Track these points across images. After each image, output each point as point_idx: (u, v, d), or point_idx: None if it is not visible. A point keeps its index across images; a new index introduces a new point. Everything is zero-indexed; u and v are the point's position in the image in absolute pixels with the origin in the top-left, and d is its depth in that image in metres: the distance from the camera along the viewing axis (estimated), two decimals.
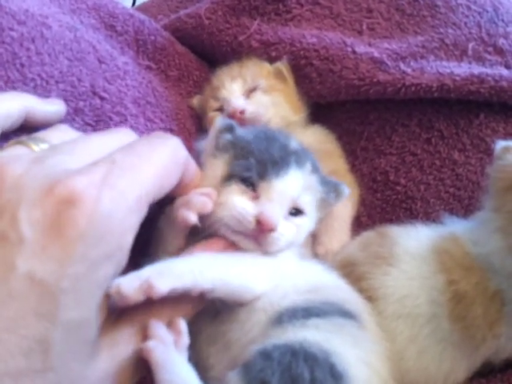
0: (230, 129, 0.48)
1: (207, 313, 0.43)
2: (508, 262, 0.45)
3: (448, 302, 0.47)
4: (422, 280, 0.49)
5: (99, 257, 0.31)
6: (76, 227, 0.30)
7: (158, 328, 0.36)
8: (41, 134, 0.40)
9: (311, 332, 0.38)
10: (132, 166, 0.34)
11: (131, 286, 0.34)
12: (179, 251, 0.43)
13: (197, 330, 0.43)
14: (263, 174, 0.44)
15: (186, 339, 0.37)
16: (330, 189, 0.50)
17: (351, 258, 0.54)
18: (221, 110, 0.68)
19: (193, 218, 0.41)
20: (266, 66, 0.72)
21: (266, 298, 0.42)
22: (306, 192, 0.46)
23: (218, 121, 0.49)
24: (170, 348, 0.35)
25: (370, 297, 0.49)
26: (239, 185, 0.45)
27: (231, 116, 0.63)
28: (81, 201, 0.30)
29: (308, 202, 0.47)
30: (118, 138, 0.39)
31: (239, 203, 0.43)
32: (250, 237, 0.43)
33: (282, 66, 0.71)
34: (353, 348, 0.39)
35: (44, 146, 0.38)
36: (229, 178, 0.45)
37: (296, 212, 0.46)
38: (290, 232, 0.45)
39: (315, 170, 0.49)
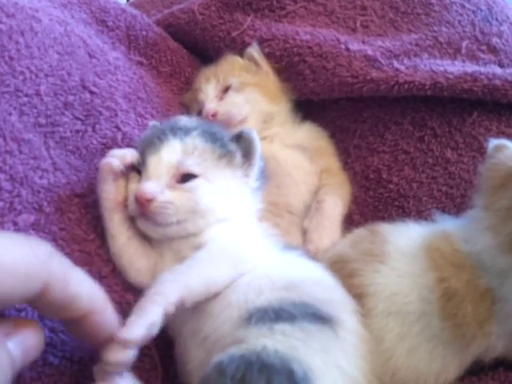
0: None
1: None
2: (498, 260, 0.45)
3: (438, 300, 0.47)
4: (412, 277, 0.49)
5: None
6: None
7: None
8: None
9: (275, 338, 0.37)
10: None
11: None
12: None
13: (182, 321, 0.44)
14: (143, 158, 0.48)
15: None
16: (228, 140, 0.51)
17: (342, 255, 0.53)
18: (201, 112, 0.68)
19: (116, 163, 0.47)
20: (238, 61, 0.71)
21: (241, 295, 0.42)
22: (190, 156, 0.48)
23: None
24: None
25: (360, 293, 0.49)
26: (135, 175, 0.49)
27: (206, 119, 0.64)
28: None
29: (197, 164, 0.48)
30: None
31: (130, 191, 0.48)
32: (141, 217, 0.46)
33: (253, 50, 0.70)
34: (320, 353, 0.38)
35: None
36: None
37: (188, 177, 0.47)
38: (179, 199, 0.46)
39: (204, 133, 0.50)
